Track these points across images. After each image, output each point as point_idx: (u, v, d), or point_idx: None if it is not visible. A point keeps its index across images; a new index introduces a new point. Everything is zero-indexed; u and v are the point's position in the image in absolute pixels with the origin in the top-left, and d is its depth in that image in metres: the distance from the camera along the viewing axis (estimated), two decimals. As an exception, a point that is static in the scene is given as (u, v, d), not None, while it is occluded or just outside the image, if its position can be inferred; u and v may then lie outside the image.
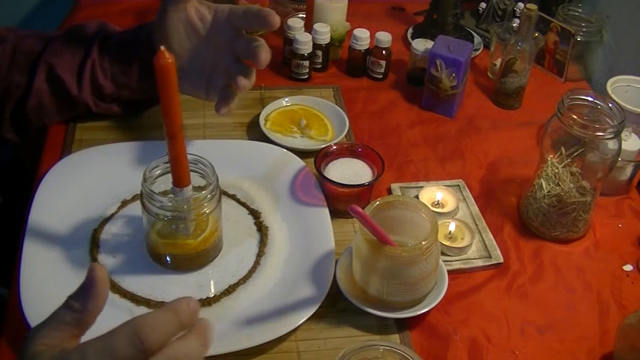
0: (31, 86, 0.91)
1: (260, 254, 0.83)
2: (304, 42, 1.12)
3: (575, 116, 0.83)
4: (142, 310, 0.75)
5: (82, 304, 0.49)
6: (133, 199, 0.88)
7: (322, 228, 0.85)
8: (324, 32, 1.14)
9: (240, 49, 0.88)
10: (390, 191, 0.96)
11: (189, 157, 0.74)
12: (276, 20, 0.84)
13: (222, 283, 0.79)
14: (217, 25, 0.87)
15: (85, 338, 0.49)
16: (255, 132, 1.02)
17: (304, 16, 1.21)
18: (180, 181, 0.74)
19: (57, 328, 0.49)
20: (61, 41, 0.93)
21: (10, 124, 0.94)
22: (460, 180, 0.98)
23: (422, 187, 0.95)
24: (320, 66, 1.18)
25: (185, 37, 0.87)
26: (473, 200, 0.95)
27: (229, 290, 0.79)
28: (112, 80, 0.93)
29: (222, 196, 0.82)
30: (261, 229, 0.86)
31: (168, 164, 0.74)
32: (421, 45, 1.14)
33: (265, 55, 0.86)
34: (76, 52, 0.92)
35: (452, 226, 0.89)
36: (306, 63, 1.14)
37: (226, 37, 0.87)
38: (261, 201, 0.90)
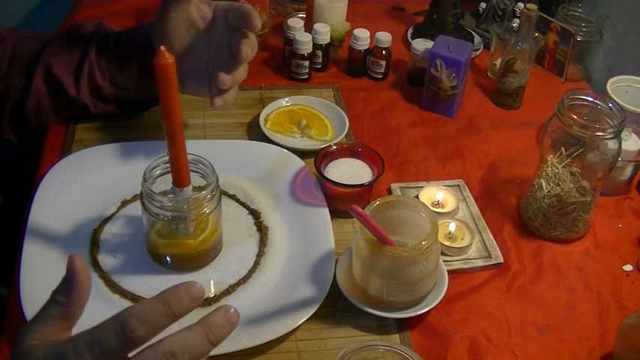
0: (29, 87, 0.91)
1: (260, 254, 0.83)
2: (304, 42, 1.12)
3: (575, 116, 0.83)
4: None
5: (66, 296, 0.50)
6: (133, 199, 0.88)
7: (322, 228, 0.85)
8: (324, 32, 1.14)
9: (232, 44, 0.87)
10: (390, 191, 0.96)
11: (189, 157, 0.74)
12: (256, 23, 0.82)
13: (222, 283, 0.79)
14: (217, 23, 0.87)
15: (77, 331, 0.50)
16: (255, 132, 1.02)
17: (304, 16, 1.21)
18: (180, 181, 0.74)
19: (46, 322, 0.50)
20: (59, 42, 0.93)
21: (9, 125, 0.94)
22: (460, 180, 0.98)
23: (422, 187, 0.95)
24: (320, 66, 1.18)
25: (186, 36, 0.87)
26: (473, 200, 0.95)
27: (229, 290, 0.79)
28: (109, 81, 0.93)
29: (222, 196, 0.82)
30: (261, 229, 0.86)
31: (168, 164, 0.74)
32: (421, 45, 1.14)
33: (245, 48, 0.83)
34: (73, 53, 0.92)
35: (452, 226, 0.89)
36: (306, 63, 1.14)
37: (225, 33, 0.87)
38: (261, 201, 0.90)
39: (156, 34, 0.88)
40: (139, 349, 0.48)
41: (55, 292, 0.50)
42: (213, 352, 0.69)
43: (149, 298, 0.49)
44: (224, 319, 0.50)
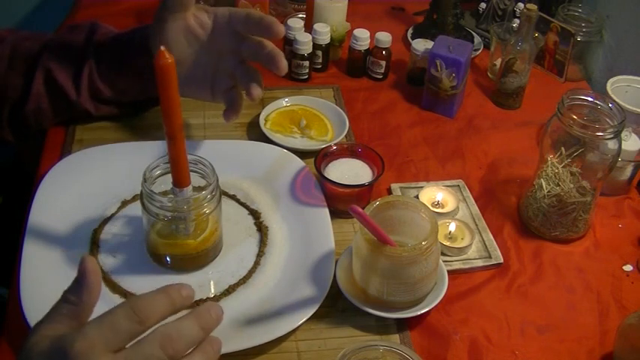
0: (29, 90, 0.91)
1: (260, 254, 0.83)
2: (304, 42, 1.12)
3: (575, 116, 0.83)
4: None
5: (77, 296, 0.51)
6: (133, 199, 0.88)
7: (322, 228, 0.85)
8: (324, 32, 1.14)
9: (249, 53, 0.87)
10: (390, 191, 0.96)
11: (189, 157, 0.74)
12: (281, 29, 0.83)
13: (222, 283, 0.79)
14: (218, 30, 0.86)
15: None
16: (255, 132, 1.02)
17: (304, 16, 1.21)
18: (180, 181, 0.74)
19: (56, 320, 0.51)
20: (57, 44, 0.92)
21: (8, 127, 0.94)
22: (460, 180, 0.98)
23: (422, 187, 0.95)
24: (320, 66, 1.18)
25: (186, 44, 0.86)
26: (473, 200, 0.95)
27: (229, 290, 0.79)
28: (109, 84, 0.93)
29: (222, 196, 0.82)
30: (261, 229, 0.86)
31: (168, 164, 0.74)
32: (421, 45, 1.14)
33: (284, 61, 0.85)
34: (72, 57, 0.92)
35: (452, 226, 0.89)
36: (306, 63, 1.14)
37: (229, 41, 0.86)
38: (261, 201, 0.90)
39: (154, 44, 0.87)
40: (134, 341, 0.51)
41: (67, 292, 0.52)
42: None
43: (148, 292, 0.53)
44: (210, 309, 0.55)
